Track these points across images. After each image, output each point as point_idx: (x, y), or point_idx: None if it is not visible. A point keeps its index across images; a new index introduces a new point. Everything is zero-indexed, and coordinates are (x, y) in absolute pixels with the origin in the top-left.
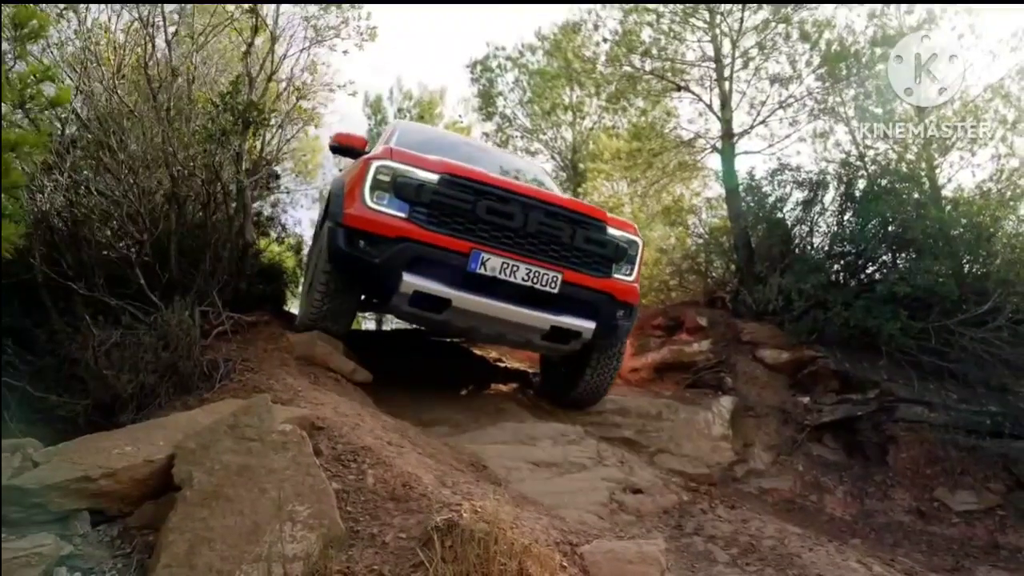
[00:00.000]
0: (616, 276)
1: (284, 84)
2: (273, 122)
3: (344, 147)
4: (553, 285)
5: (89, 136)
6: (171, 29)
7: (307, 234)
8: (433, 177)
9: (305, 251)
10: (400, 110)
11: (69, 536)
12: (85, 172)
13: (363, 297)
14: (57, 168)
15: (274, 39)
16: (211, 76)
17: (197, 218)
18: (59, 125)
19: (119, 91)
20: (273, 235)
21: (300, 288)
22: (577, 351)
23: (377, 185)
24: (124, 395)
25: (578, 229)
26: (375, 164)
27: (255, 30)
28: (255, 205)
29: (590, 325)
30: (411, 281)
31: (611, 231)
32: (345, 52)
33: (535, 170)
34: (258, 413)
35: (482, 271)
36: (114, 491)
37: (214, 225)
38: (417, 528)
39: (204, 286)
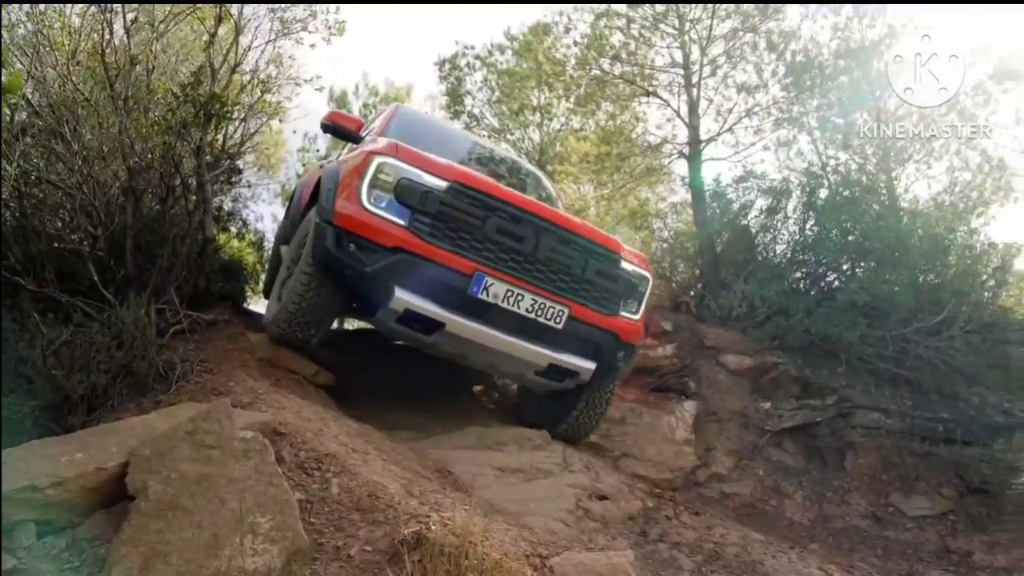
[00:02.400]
0: (623, 314)
1: (248, 76)
2: (236, 115)
3: (337, 127)
4: (558, 320)
5: (40, 123)
6: (130, 15)
7: (268, 229)
8: (441, 184)
9: (268, 248)
10: (365, 105)
11: (13, 549)
12: (36, 161)
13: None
14: (5, 156)
15: (238, 30)
16: (172, 66)
17: (154, 212)
18: (8, 111)
19: (74, 78)
20: (234, 230)
21: (260, 286)
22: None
23: (376, 184)
24: (74, 396)
25: (591, 260)
26: (376, 160)
27: (219, 20)
28: (215, 200)
29: (590, 366)
30: (403, 297)
31: (624, 265)
32: (312, 46)
33: (542, 179)
34: (218, 419)
35: (483, 296)
36: (63, 501)
37: (172, 219)
38: (384, 540)
39: (161, 283)
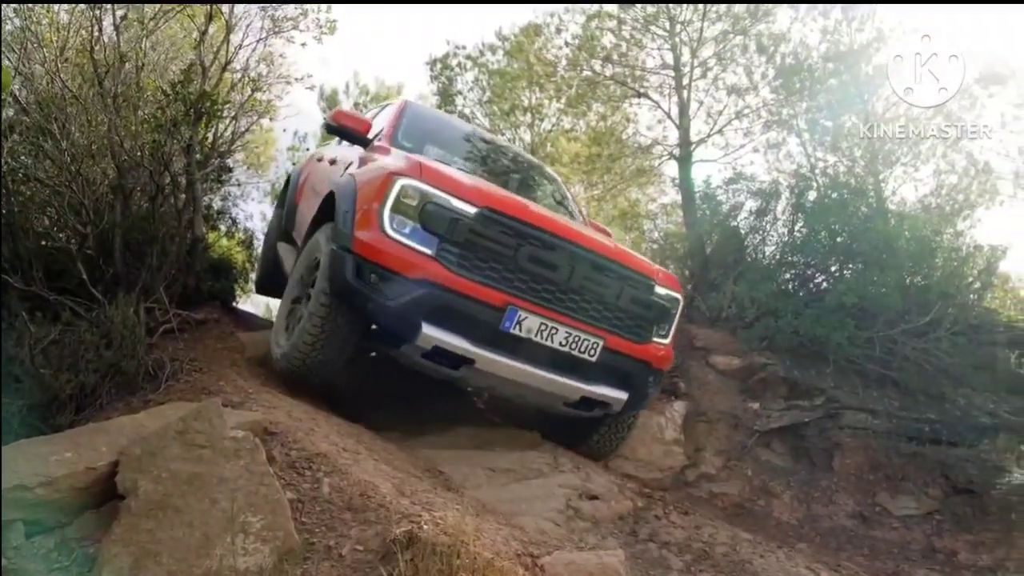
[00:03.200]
0: (655, 340)
1: (239, 75)
2: (227, 113)
3: (343, 129)
4: (592, 353)
5: (28, 121)
6: (119, 12)
7: (258, 228)
8: (471, 210)
9: (257, 247)
10: (356, 104)
11: (2, 549)
12: (23, 158)
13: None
14: None
15: (229, 28)
16: (161, 63)
17: (144, 210)
18: None
19: (62, 75)
20: (223, 229)
21: (250, 284)
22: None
23: (400, 209)
24: (63, 396)
25: (626, 287)
26: (399, 182)
27: (209, 18)
28: (205, 198)
29: (622, 396)
30: (431, 334)
31: (658, 290)
32: (303, 44)
33: (557, 181)
34: (209, 418)
35: (516, 331)
36: (52, 500)
37: (162, 218)
38: (375, 540)
39: (150, 281)
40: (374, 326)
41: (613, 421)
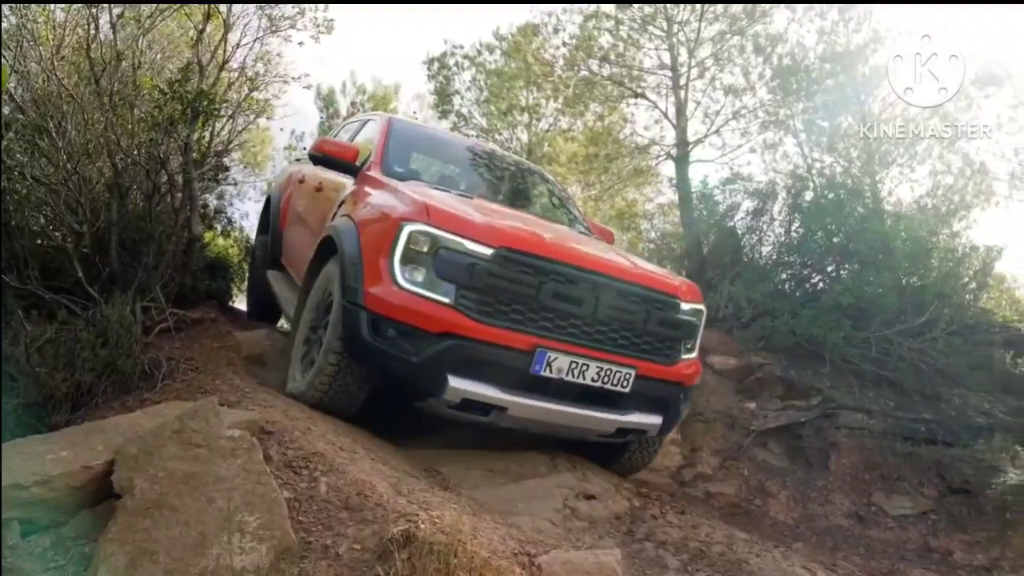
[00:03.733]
0: (683, 358)
1: (236, 74)
2: (224, 112)
3: (330, 158)
4: (625, 384)
5: (22, 118)
6: (116, 10)
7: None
8: (486, 251)
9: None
10: (353, 103)
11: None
12: (19, 156)
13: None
14: None
15: (227, 27)
16: (158, 62)
17: (140, 209)
18: None
19: (58, 73)
20: (219, 228)
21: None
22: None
23: (410, 257)
24: (58, 394)
25: (652, 310)
26: (406, 228)
27: (207, 16)
28: (201, 197)
29: (657, 421)
30: (459, 387)
31: (683, 306)
32: (301, 43)
33: (550, 180)
34: (205, 417)
35: (547, 373)
36: (48, 499)
37: (158, 217)
38: (372, 539)
39: (146, 280)
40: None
41: (639, 444)
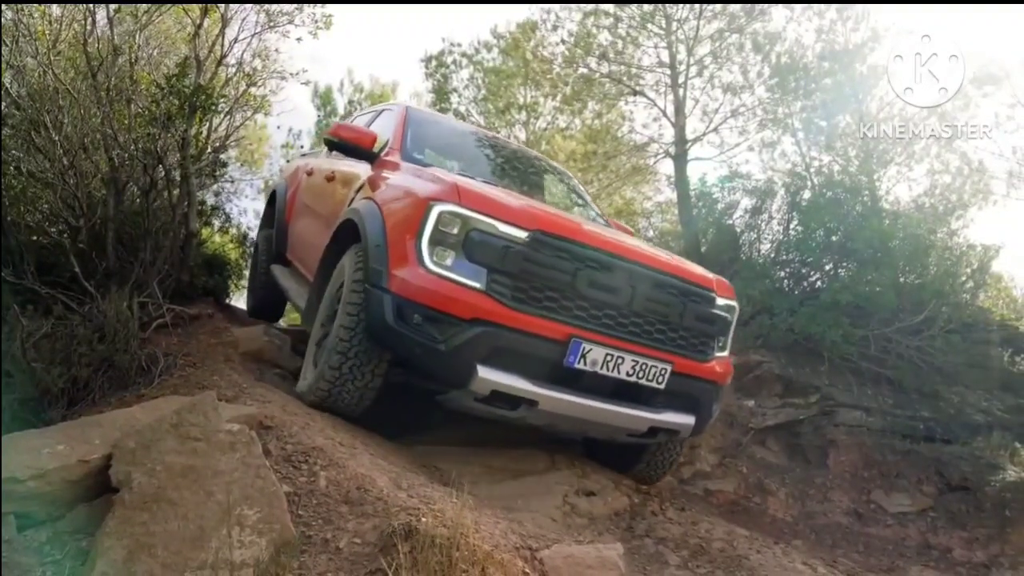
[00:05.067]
0: (716, 356)
1: (234, 69)
2: (221, 108)
3: (346, 144)
4: (660, 380)
5: (18, 114)
6: (113, 5)
7: (252, 225)
8: (521, 234)
9: (251, 245)
10: (351, 102)
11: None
12: (15, 152)
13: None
14: None
15: (224, 22)
16: (155, 57)
17: (137, 205)
18: None
19: (55, 68)
20: (216, 225)
21: (245, 281)
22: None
23: (439, 239)
24: (55, 390)
25: (689, 304)
26: (436, 208)
27: (204, 12)
28: (199, 193)
29: (690, 421)
30: (488, 377)
31: (719, 301)
32: (299, 39)
33: (571, 179)
34: (204, 411)
35: (581, 365)
36: (44, 493)
37: (155, 213)
38: (372, 533)
39: (143, 276)
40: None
41: (661, 446)
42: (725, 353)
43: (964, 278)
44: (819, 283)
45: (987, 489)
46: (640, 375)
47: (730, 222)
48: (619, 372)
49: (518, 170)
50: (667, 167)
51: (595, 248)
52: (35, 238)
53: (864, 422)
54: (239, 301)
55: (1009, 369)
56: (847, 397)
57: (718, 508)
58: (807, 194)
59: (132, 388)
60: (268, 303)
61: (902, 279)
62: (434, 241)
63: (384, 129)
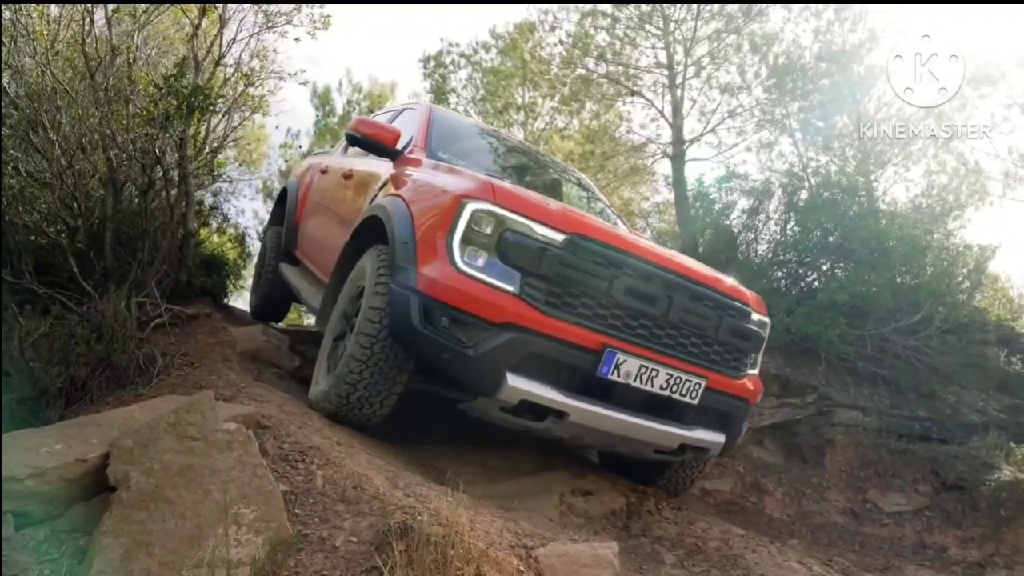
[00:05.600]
0: (748, 372)
1: (232, 69)
2: (219, 108)
3: (368, 140)
4: (695, 395)
5: (16, 114)
6: (111, 5)
7: (251, 225)
8: (557, 237)
9: (249, 245)
10: (349, 102)
11: (1, 541)
12: (13, 152)
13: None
14: None
15: (223, 22)
16: (153, 58)
17: (135, 205)
18: None
19: (53, 68)
20: (215, 225)
21: (243, 281)
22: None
23: (471, 238)
24: (52, 389)
25: (725, 317)
26: (470, 207)
27: (203, 12)
28: (196, 194)
29: (720, 439)
30: (518, 386)
31: (753, 316)
32: (297, 39)
33: (595, 189)
34: (201, 411)
35: (614, 376)
36: (42, 492)
37: (153, 213)
38: (369, 531)
39: (141, 276)
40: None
41: (686, 462)
42: (756, 371)
43: (960, 278)
44: (816, 283)
45: (982, 489)
46: (674, 389)
47: (727, 222)
48: (652, 385)
49: (541, 175)
50: (665, 167)
51: (633, 255)
52: (33, 238)
53: (860, 422)
54: (238, 302)
55: (1005, 369)
56: (844, 397)
57: (715, 507)
58: (804, 194)
59: (130, 388)
60: (273, 303)
61: (899, 279)
62: (466, 240)
63: (406, 128)
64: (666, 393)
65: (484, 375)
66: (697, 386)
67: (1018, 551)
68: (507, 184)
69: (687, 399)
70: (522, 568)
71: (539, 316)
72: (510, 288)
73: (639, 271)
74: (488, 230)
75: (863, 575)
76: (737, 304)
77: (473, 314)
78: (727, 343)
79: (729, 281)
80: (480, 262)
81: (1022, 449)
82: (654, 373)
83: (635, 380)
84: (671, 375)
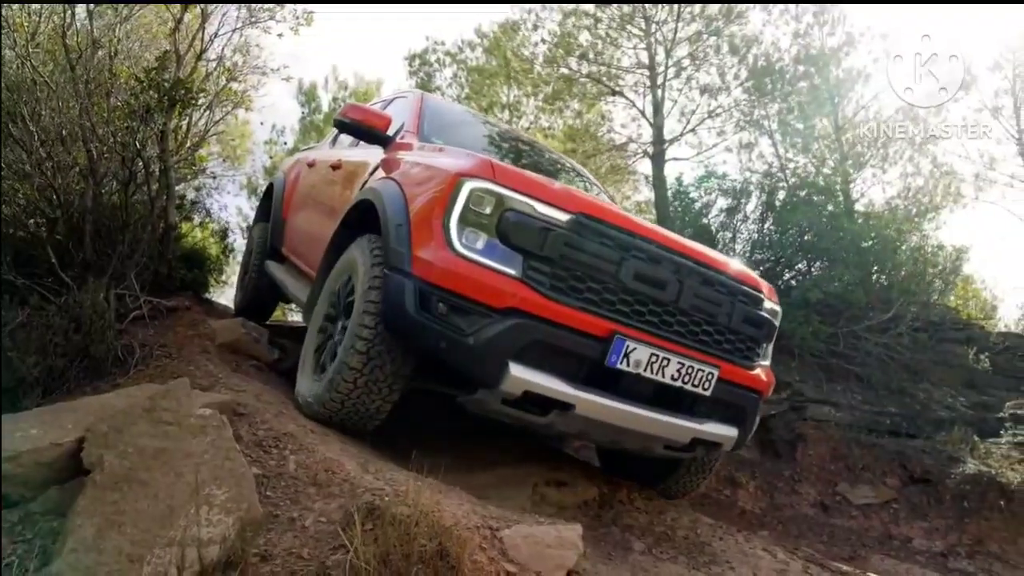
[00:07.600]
0: (760, 363)
1: (214, 64)
2: (201, 102)
3: (358, 126)
4: (707, 385)
5: None
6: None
7: (233, 221)
8: (562, 217)
9: (231, 239)
10: (335, 99)
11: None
12: None
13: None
14: None
15: (205, 17)
16: (135, 51)
17: (116, 198)
18: None
19: (33, 60)
20: (196, 220)
21: (223, 276)
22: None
23: (470, 219)
24: (29, 378)
25: (737, 304)
26: (467, 185)
27: (185, 6)
28: (178, 188)
29: (733, 434)
30: (521, 376)
31: (766, 304)
32: (280, 35)
33: (590, 178)
34: (176, 397)
35: (623, 366)
36: (16, 475)
37: (133, 206)
38: (338, 512)
39: (121, 268)
40: (435, 369)
41: (695, 459)
42: (768, 362)
43: (931, 278)
44: (793, 281)
45: (947, 482)
46: (686, 379)
47: (706, 221)
48: (663, 375)
49: (538, 163)
50: (645, 167)
51: (642, 237)
52: (11, 230)
53: (832, 417)
54: (221, 297)
55: (973, 366)
56: (816, 393)
57: (688, 500)
58: (782, 194)
59: (107, 378)
60: (258, 301)
61: (872, 278)
62: (464, 221)
63: (397, 115)
64: (677, 383)
65: (485, 365)
66: (709, 376)
67: (979, 541)
68: (507, 163)
69: (699, 390)
70: (485, 546)
71: (543, 301)
72: (512, 271)
73: (649, 254)
74: (488, 210)
75: (828, 563)
76: (750, 291)
77: (473, 299)
78: (740, 332)
79: (742, 267)
80: (479, 244)
81: (986, 444)
82: (665, 362)
83: (645, 369)
84: (683, 364)
